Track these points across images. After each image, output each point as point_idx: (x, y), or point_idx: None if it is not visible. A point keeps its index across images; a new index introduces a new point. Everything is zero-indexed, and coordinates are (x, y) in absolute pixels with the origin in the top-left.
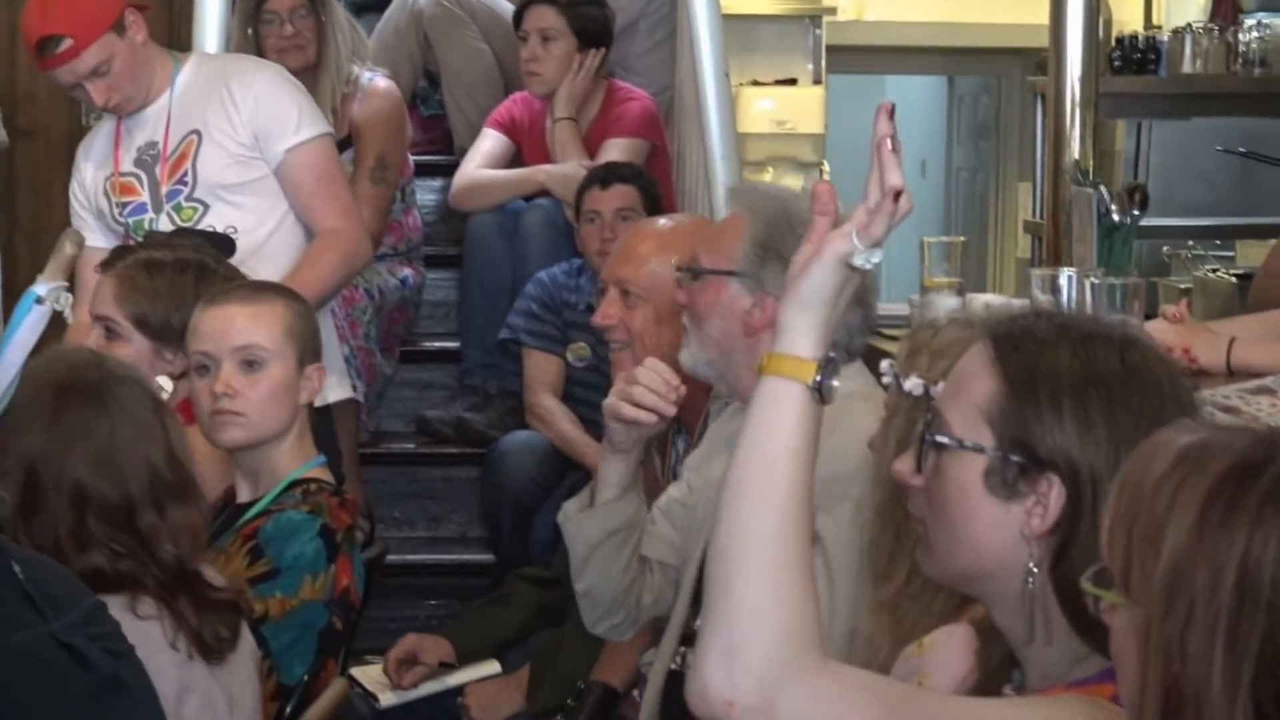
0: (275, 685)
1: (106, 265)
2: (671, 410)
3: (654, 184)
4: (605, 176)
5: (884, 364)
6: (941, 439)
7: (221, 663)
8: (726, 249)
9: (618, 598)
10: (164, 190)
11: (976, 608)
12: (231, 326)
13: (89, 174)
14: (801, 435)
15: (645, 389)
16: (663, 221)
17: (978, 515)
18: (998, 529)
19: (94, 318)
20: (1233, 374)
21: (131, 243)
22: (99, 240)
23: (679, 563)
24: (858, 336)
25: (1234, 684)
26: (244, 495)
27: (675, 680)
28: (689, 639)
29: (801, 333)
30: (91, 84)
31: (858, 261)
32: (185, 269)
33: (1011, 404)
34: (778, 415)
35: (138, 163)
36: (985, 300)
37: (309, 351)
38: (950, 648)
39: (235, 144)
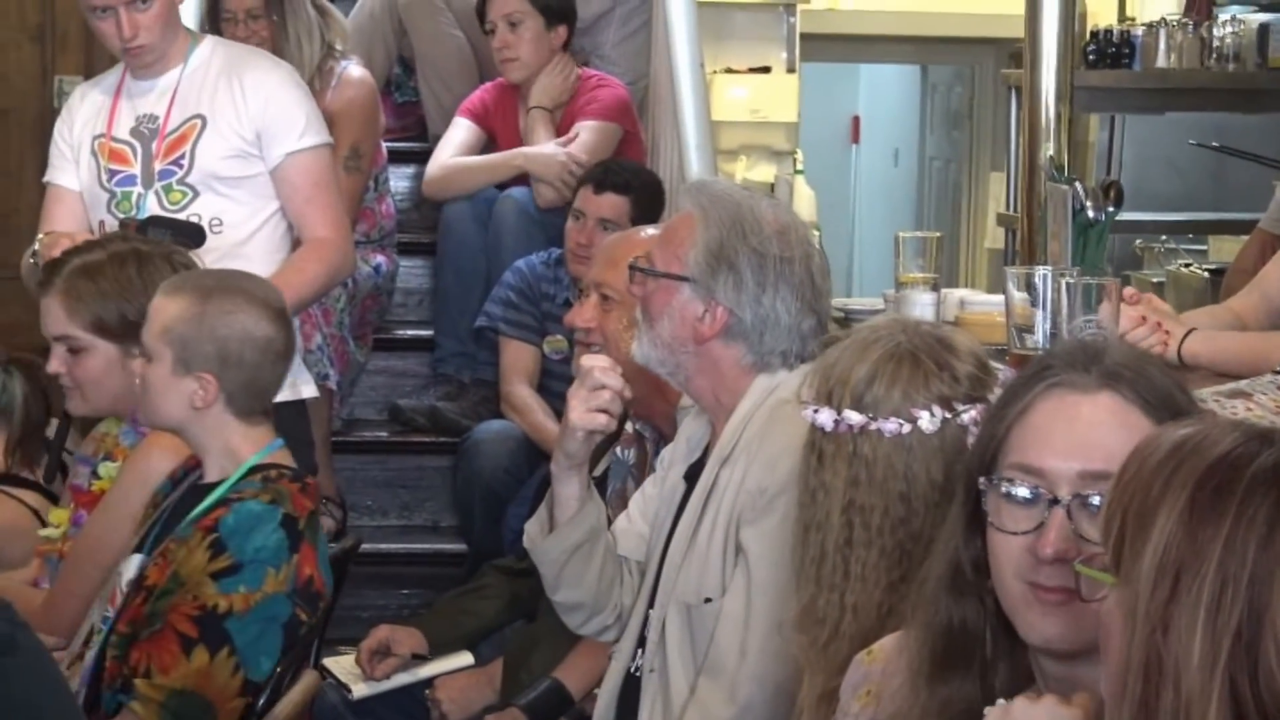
0: (242, 681)
1: (44, 285)
2: (622, 400)
3: (654, 191)
4: (601, 179)
5: (802, 393)
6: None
7: None
8: (679, 252)
9: (599, 601)
10: (157, 167)
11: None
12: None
13: (78, 123)
14: None
15: (603, 393)
16: (650, 231)
17: None
18: None
19: (52, 340)
20: (1184, 366)
21: (116, 220)
22: (69, 181)
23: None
24: (810, 342)
25: (1212, 660)
26: (212, 475)
27: (631, 683)
28: (645, 641)
29: None
30: (128, 11)
31: None
32: (123, 262)
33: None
34: None
35: (134, 132)
36: (960, 296)
37: (196, 357)
38: (899, 654)
39: (238, 137)
